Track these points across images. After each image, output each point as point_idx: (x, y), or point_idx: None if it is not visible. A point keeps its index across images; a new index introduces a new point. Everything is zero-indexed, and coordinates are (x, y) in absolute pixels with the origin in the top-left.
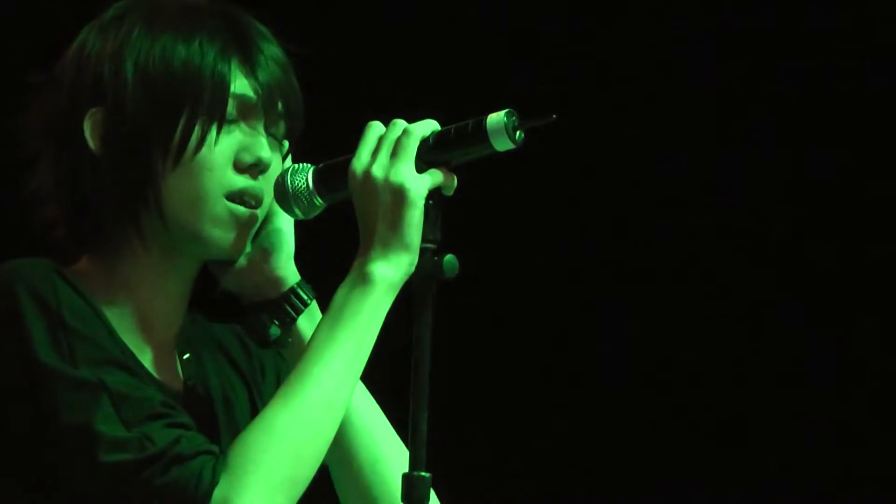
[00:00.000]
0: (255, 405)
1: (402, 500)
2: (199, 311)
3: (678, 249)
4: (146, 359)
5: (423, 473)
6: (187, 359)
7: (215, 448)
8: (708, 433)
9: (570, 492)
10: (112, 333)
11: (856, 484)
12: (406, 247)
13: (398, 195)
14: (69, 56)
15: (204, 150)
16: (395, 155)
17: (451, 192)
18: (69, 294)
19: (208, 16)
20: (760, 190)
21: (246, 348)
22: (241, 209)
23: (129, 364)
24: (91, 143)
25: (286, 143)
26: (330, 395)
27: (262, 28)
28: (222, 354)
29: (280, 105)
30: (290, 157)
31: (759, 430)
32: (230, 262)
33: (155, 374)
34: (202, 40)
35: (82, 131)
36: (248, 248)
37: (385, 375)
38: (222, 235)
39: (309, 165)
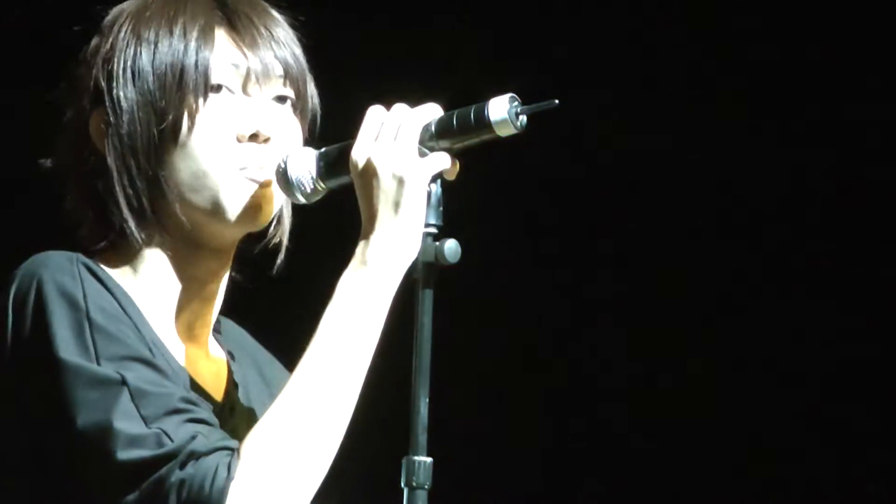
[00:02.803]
0: None
1: (403, 485)
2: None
3: (678, 246)
4: (178, 350)
5: (424, 458)
6: (232, 358)
7: (233, 444)
8: (705, 434)
9: (567, 482)
10: (139, 327)
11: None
12: (408, 232)
13: (399, 180)
14: (75, 69)
15: (200, 126)
16: (397, 140)
17: (452, 177)
18: (96, 288)
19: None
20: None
21: (272, 362)
22: (251, 178)
23: (154, 359)
24: (98, 146)
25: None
26: (341, 386)
27: (258, 1)
28: (252, 363)
29: (281, 72)
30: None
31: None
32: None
33: (189, 368)
34: (185, 21)
35: (89, 136)
36: (271, 216)
37: (386, 361)
38: (239, 208)
39: (311, 149)
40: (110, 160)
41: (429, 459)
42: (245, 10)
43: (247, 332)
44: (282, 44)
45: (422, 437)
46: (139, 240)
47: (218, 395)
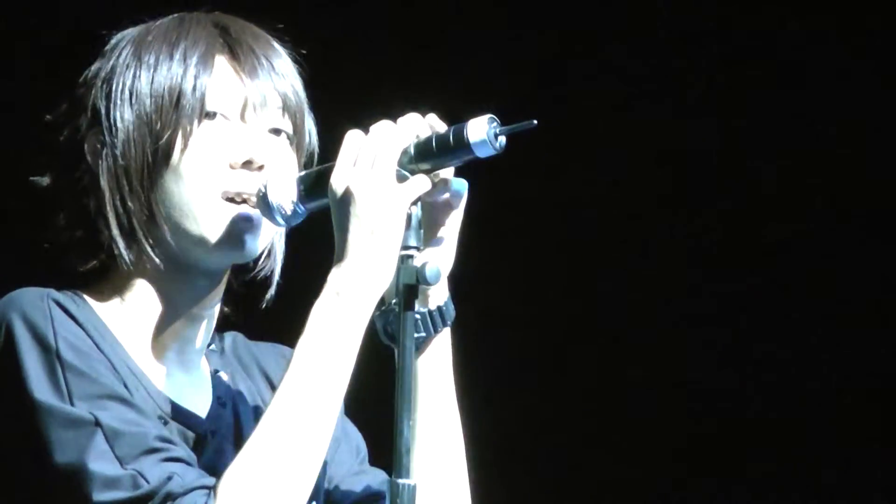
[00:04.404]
0: None
1: None
2: (242, 331)
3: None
4: (162, 378)
5: (408, 481)
6: (219, 376)
7: (210, 482)
8: (708, 436)
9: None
10: (114, 361)
11: None
12: (382, 260)
13: (376, 208)
14: (75, 91)
15: (192, 149)
16: (375, 165)
17: (431, 199)
18: (67, 326)
19: (195, 24)
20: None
21: (279, 361)
22: (238, 207)
23: (129, 396)
24: (92, 165)
25: (312, 143)
26: (316, 418)
27: (259, 31)
28: (260, 374)
29: (279, 104)
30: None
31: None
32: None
33: (172, 393)
34: (186, 46)
35: (84, 155)
36: (256, 250)
37: (369, 382)
38: (223, 237)
39: (292, 173)
40: (103, 180)
41: (413, 482)
42: (247, 40)
43: (252, 342)
44: (282, 75)
45: (405, 459)
46: (127, 261)
47: (202, 417)
